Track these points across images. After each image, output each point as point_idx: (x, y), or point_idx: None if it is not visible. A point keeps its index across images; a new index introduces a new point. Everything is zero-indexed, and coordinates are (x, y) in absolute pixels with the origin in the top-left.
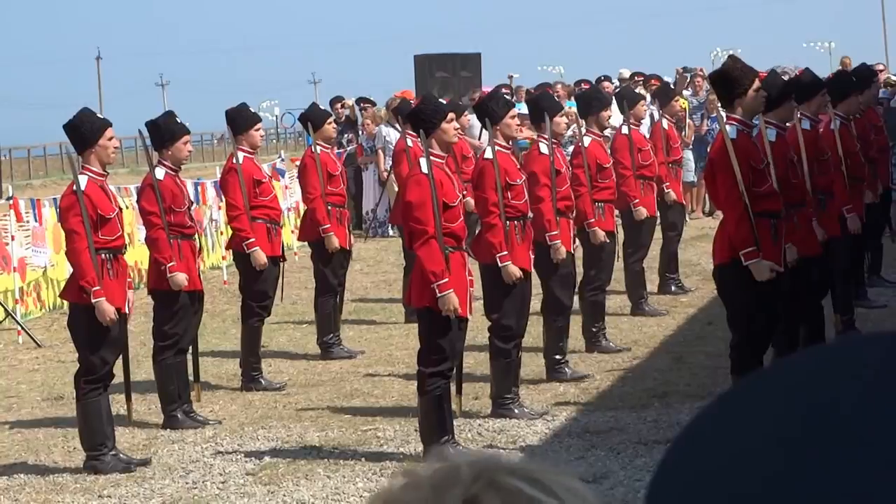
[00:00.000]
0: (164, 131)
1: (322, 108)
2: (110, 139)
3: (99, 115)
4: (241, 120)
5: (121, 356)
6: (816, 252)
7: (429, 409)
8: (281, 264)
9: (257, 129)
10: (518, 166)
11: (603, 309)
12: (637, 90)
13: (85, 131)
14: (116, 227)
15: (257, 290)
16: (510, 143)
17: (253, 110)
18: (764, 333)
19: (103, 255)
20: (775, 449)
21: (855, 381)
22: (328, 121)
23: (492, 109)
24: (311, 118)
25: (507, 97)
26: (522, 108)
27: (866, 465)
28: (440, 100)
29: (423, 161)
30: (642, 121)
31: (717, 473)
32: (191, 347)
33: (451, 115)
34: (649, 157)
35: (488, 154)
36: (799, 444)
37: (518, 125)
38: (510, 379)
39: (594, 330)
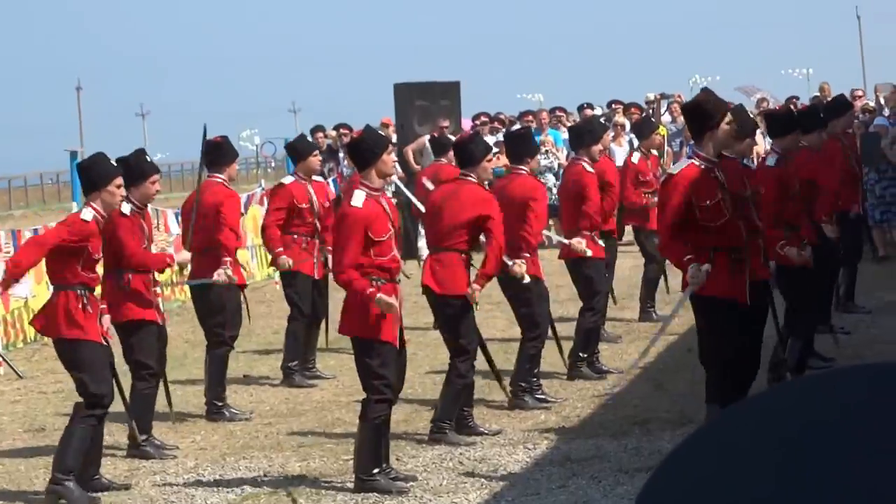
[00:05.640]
0: (135, 169)
1: (310, 140)
2: (118, 187)
3: (112, 163)
4: (224, 153)
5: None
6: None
7: (368, 438)
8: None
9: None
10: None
11: (597, 336)
12: (616, 118)
13: (94, 175)
14: (95, 266)
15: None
16: (484, 184)
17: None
18: (737, 364)
19: (79, 292)
20: (753, 478)
21: (827, 411)
22: (314, 153)
23: (471, 151)
24: (298, 148)
25: (486, 141)
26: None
27: (845, 491)
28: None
29: (357, 193)
30: (608, 149)
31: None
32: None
33: (391, 147)
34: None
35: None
36: (777, 473)
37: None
38: (459, 403)
39: (581, 355)
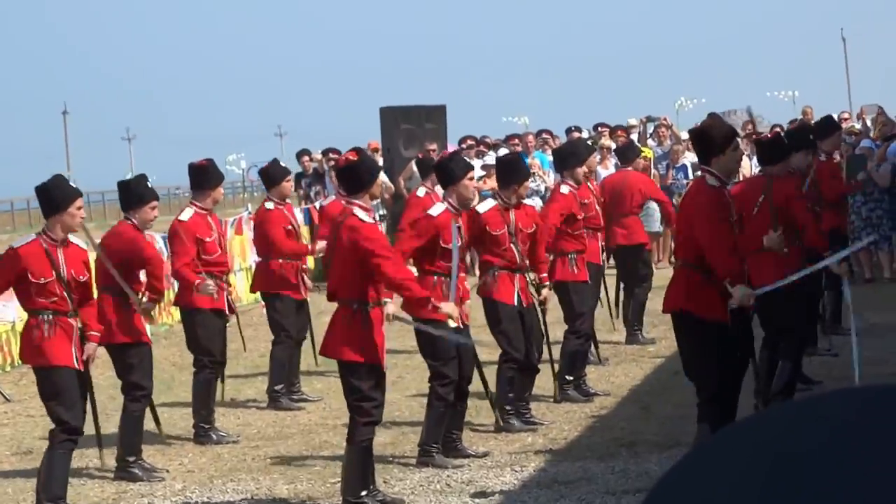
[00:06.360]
0: (133, 194)
1: (283, 165)
2: (79, 209)
3: (72, 185)
4: (209, 176)
5: (90, 409)
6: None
7: (356, 460)
8: (227, 317)
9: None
10: (457, 227)
11: (584, 359)
12: (602, 141)
13: (55, 197)
14: (55, 290)
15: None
16: (463, 203)
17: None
18: (724, 383)
19: (42, 316)
20: (744, 500)
21: (818, 435)
22: (286, 178)
23: (451, 169)
24: (270, 173)
25: (466, 159)
26: (490, 160)
27: None
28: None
29: (359, 212)
30: (594, 172)
31: None
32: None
33: (381, 171)
34: (592, 209)
35: (434, 211)
36: (767, 497)
37: (476, 187)
38: (443, 425)
39: (568, 378)
